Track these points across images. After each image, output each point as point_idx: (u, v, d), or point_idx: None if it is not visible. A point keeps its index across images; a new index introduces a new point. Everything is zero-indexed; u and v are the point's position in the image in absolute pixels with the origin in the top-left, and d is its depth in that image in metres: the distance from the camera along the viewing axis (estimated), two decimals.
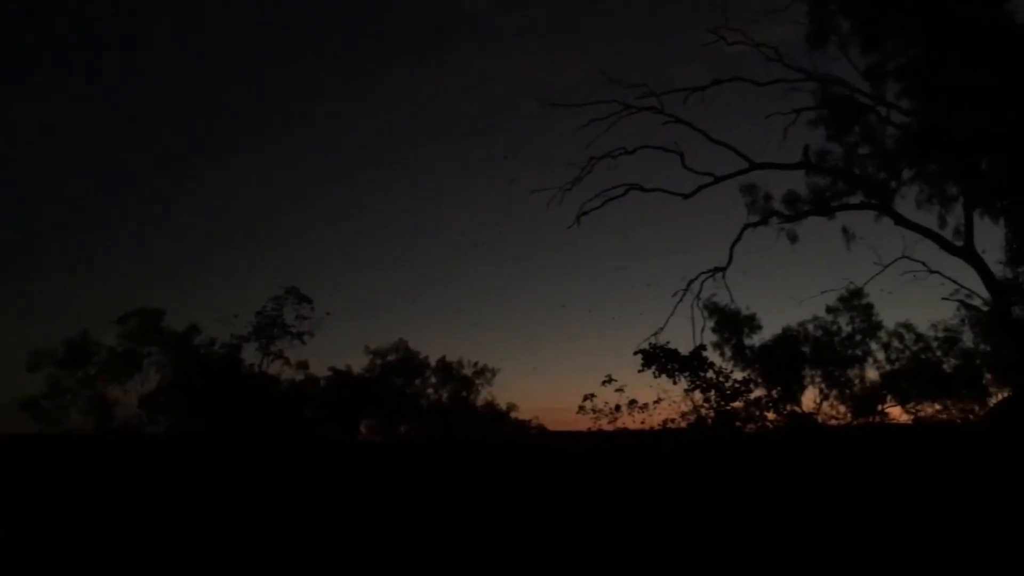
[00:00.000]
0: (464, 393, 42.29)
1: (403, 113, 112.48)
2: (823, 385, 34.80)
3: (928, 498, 16.70)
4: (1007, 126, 23.34)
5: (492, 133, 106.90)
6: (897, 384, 33.83)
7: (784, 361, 34.10)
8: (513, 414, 41.68)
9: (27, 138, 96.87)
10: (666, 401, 25.58)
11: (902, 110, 26.88)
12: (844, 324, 35.33)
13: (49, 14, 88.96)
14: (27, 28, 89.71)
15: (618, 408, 25.76)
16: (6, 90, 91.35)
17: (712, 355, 28.29)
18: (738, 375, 27.37)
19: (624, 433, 25.96)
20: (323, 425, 39.18)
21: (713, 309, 33.13)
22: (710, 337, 33.33)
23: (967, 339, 33.58)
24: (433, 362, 42.52)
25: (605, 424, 25.83)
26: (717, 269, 30.06)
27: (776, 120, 28.99)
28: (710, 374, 25.69)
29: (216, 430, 33.24)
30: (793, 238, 29.96)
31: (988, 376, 32.70)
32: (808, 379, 34.88)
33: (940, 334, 34.11)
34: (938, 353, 34.10)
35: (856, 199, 28.60)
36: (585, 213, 29.82)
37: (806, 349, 35.08)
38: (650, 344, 26.45)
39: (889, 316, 36.13)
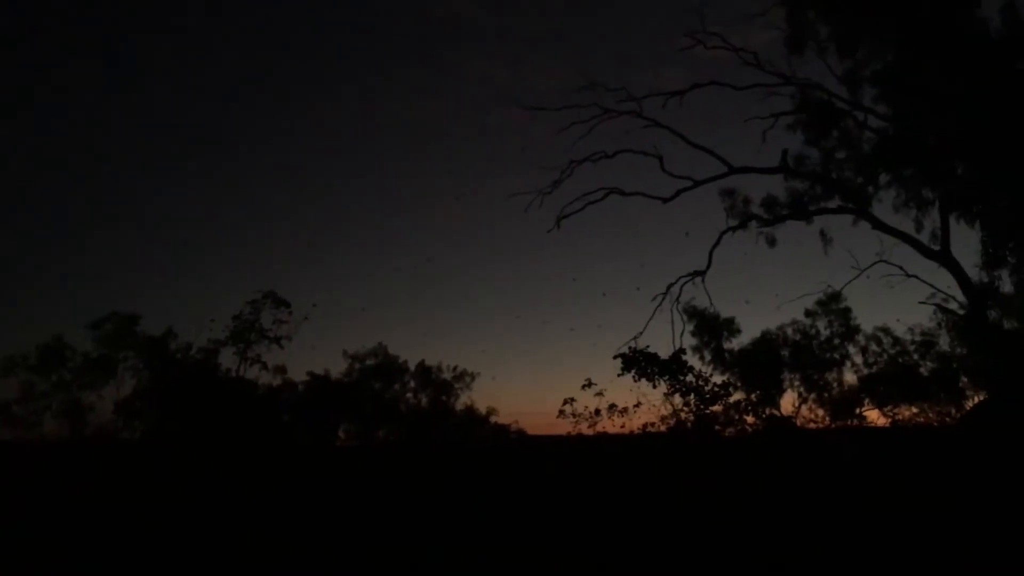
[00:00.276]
0: (443, 397, 42.04)
1: (382, 117, 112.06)
2: (802, 389, 34.91)
3: (906, 500, 16.77)
4: (980, 132, 23.57)
5: (472, 137, 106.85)
6: (875, 387, 33.99)
7: (763, 365, 34.19)
8: (493, 418, 41.48)
9: None
10: (646, 405, 25.64)
11: (879, 115, 27.14)
12: (822, 328, 35.50)
13: (15, 16, 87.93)
14: None
15: (598, 412, 25.79)
16: None
17: (691, 359, 28.34)
18: (717, 379, 27.60)
19: (604, 437, 25.97)
20: (300, 430, 38.83)
21: (692, 313, 33.24)
22: (689, 341, 33.42)
23: (944, 343, 33.86)
24: (412, 366, 42.31)
25: (585, 428, 25.84)
26: (696, 273, 30.17)
27: (754, 124, 29.20)
28: (690, 378, 25.78)
29: (192, 435, 32.84)
30: (772, 242, 30.12)
31: (964, 379, 32.96)
32: (787, 383, 34.98)
33: (917, 338, 34.38)
34: (915, 357, 34.33)
35: (834, 203, 28.86)
36: (565, 216, 29.89)
37: (785, 353, 35.20)
38: (630, 348, 26.54)
39: (867, 320, 36.26)
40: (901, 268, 28.82)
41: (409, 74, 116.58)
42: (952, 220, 26.51)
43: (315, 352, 68.48)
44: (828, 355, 35.16)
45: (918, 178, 26.59)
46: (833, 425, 33.76)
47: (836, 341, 35.29)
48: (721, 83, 29.17)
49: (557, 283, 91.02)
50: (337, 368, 40.79)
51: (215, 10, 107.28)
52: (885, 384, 33.75)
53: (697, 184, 29.48)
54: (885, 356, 34.85)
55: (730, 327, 34.94)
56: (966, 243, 30.48)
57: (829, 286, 33.83)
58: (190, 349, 36.65)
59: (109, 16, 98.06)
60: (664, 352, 26.44)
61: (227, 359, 36.03)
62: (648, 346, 26.62)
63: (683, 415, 25.55)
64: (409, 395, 42.30)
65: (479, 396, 47.53)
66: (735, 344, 35.01)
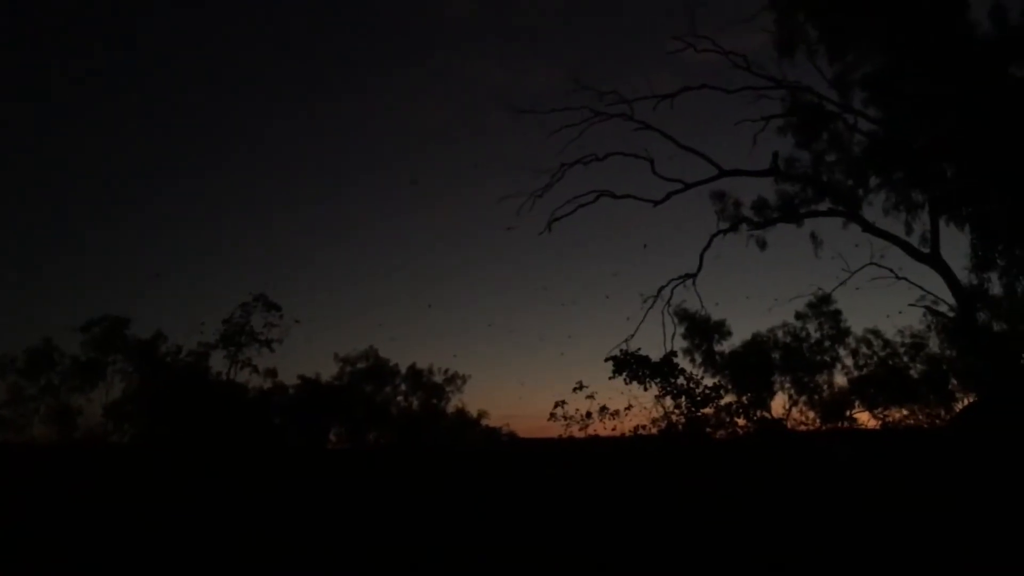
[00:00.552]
0: (434, 400, 42.00)
1: (375, 120, 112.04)
2: (792, 391, 34.96)
3: (896, 501, 16.80)
4: (970, 135, 23.67)
5: (464, 139, 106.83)
6: (865, 389, 34.08)
7: (754, 367, 34.24)
8: (484, 421, 41.45)
9: None
10: (637, 407, 25.65)
11: (869, 118, 27.21)
12: (813, 330, 35.60)
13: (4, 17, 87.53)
14: None
15: (589, 415, 25.80)
16: None
17: (682, 361, 28.32)
18: (708, 381, 27.56)
19: (595, 440, 25.96)
20: (291, 433, 38.73)
21: (683, 315, 33.24)
22: (680, 343, 33.44)
23: (933, 345, 33.97)
24: (403, 369, 42.27)
25: (576, 431, 25.85)
26: (687, 275, 30.16)
27: (745, 127, 29.27)
28: (681, 380, 25.81)
29: (182, 439, 32.76)
30: (762, 245, 30.15)
31: (954, 381, 33.06)
32: (777, 385, 35.05)
33: (907, 340, 34.49)
34: (905, 359, 34.44)
35: (824, 206, 28.88)
36: (556, 219, 29.84)
37: (776, 355, 35.26)
38: (621, 351, 26.52)
39: (857, 322, 36.37)
40: (891, 270, 28.91)
41: (406, 75, 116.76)
42: (942, 223, 26.59)
43: (306, 355, 68.37)
44: (819, 357, 35.25)
45: (908, 181, 26.66)
46: (824, 427, 33.82)
47: (827, 343, 35.39)
48: (712, 86, 29.24)
49: (551, 285, 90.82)
50: (328, 371, 40.82)
51: (213, 11, 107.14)
52: (875, 386, 33.84)
53: (688, 187, 29.51)
54: (875, 358, 34.95)
55: (721, 330, 35.03)
56: (956, 246, 30.58)
57: (819, 288, 33.98)
58: (180, 352, 36.69)
59: (97, 19, 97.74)
60: (655, 355, 26.50)
61: (218, 362, 36.07)
62: (639, 349, 26.69)
63: (674, 417, 25.59)
64: (400, 398, 42.31)
65: (470, 399, 47.48)
66: (726, 347, 35.12)
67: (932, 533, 12.89)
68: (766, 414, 33.23)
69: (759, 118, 28.88)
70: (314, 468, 31.45)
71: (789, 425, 33.02)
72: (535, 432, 42.18)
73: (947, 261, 26.42)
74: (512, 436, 41.02)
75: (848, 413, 34.33)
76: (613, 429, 25.75)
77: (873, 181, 27.71)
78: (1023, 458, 19.35)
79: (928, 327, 33.76)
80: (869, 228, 27.79)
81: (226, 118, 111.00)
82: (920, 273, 28.18)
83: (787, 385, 35.07)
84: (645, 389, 25.70)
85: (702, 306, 32.14)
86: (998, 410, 24.96)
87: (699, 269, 29.98)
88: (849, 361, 35.26)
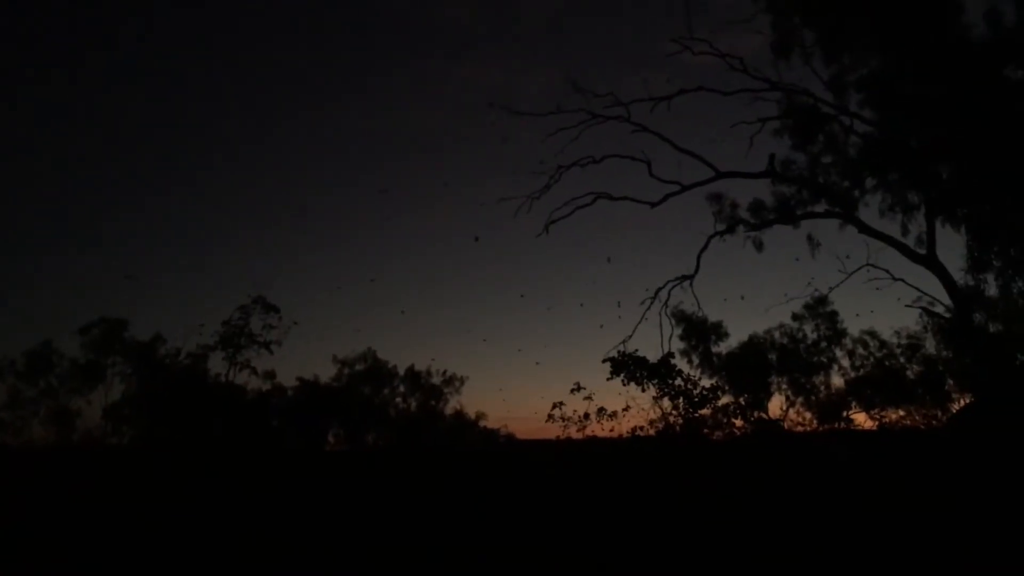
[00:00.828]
0: (432, 402, 42.07)
1: (374, 122, 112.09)
2: (789, 392, 35.06)
3: (893, 502, 16.89)
4: (965, 136, 23.75)
5: (461, 142, 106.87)
6: (862, 390, 34.19)
7: (751, 368, 34.34)
8: (482, 423, 41.53)
9: None
10: (635, 409, 25.74)
11: (864, 120, 27.22)
12: (810, 331, 35.72)
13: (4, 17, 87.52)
14: None
15: (587, 416, 25.89)
16: None
17: (680, 363, 28.43)
18: (706, 382, 27.66)
19: (593, 441, 26.04)
20: (290, 435, 38.77)
21: (681, 317, 33.30)
22: (678, 345, 33.54)
23: (930, 346, 34.10)
24: (401, 371, 42.34)
25: (574, 432, 25.93)
26: (684, 277, 30.19)
27: (742, 129, 29.25)
28: (678, 381, 25.88)
29: (181, 441, 32.78)
30: (759, 246, 30.20)
31: (950, 382, 33.17)
32: (774, 386, 35.15)
33: (903, 341, 34.62)
34: (901, 360, 34.56)
35: (820, 207, 28.88)
36: (554, 222, 29.82)
37: (772, 356, 35.36)
38: (619, 352, 26.58)
39: (853, 323, 36.45)
40: (887, 272, 28.94)
41: (404, 77, 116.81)
42: (938, 224, 26.63)
43: (305, 357, 68.41)
44: (815, 358, 35.35)
45: (904, 182, 26.70)
46: (821, 428, 33.92)
47: (823, 344, 35.50)
48: (708, 88, 29.27)
49: (549, 286, 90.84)
50: (327, 373, 40.86)
51: (211, 13, 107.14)
52: (872, 387, 33.95)
53: (685, 188, 29.55)
54: (872, 359, 35.08)
55: (718, 331, 35.13)
56: (952, 247, 30.68)
57: (816, 290, 34.01)
58: (179, 354, 36.65)
59: (97, 19, 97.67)
60: (653, 356, 26.58)
61: (216, 364, 36.02)
62: (637, 350, 26.76)
63: (672, 418, 25.67)
64: (398, 399, 42.36)
65: (468, 400, 47.53)
66: (723, 348, 35.22)
67: (929, 533, 12.97)
68: (763, 415, 33.38)
69: (755, 120, 28.92)
70: (313, 469, 31.50)
71: (786, 426, 33.17)
72: (533, 434, 42.33)
73: (943, 262, 26.49)
74: (510, 437, 41.14)
75: (845, 414, 34.45)
76: (611, 430, 25.88)
77: (869, 183, 27.75)
78: (1019, 458, 19.46)
79: (924, 328, 33.93)
80: (865, 229, 27.83)
81: (226, 119, 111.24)
82: (916, 274, 28.25)
83: (784, 386, 35.19)
84: (643, 390, 25.82)
85: (699, 307, 32.18)
86: (994, 411, 25.04)
87: (696, 271, 30.05)
88: (846, 362, 35.44)
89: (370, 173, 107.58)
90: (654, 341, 29.81)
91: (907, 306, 30.91)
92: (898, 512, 15.49)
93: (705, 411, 26.04)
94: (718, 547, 12.37)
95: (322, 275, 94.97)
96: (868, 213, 28.09)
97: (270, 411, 38.32)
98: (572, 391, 25.89)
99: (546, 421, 25.98)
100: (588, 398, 25.94)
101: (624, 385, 25.81)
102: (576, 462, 26.46)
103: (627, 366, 25.88)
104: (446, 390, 42.15)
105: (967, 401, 31.97)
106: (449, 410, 41.95)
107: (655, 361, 26.23)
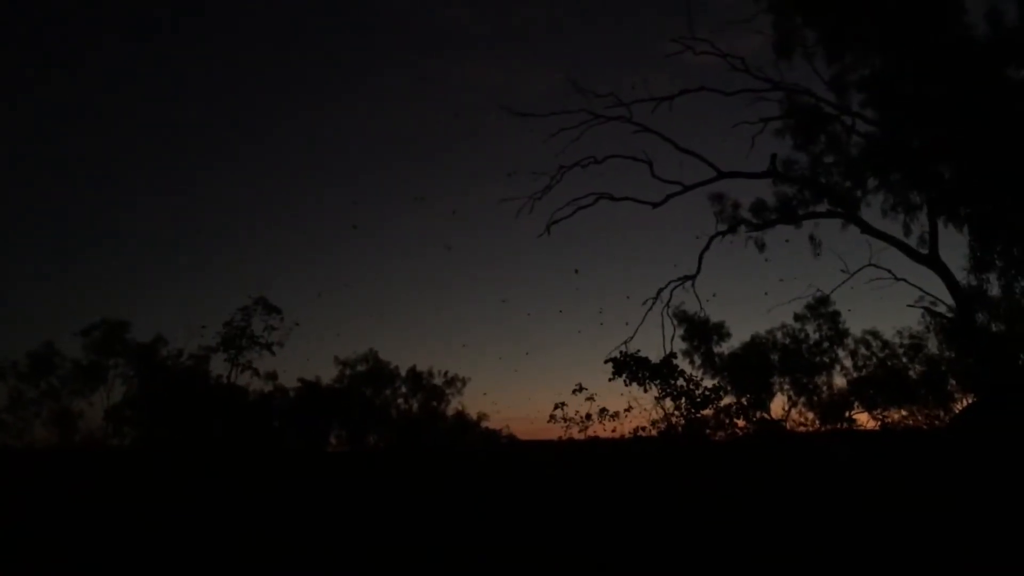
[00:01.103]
0: (434, 403, 42.05)
1: (372, 123, 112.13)
2: (791, 392, 35.05)
3: (896, 502, 16.85)
4: (968, 136, 23.71)
5: (463, 143, 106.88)
6: (864, 391, 34.14)
7: (753, 369, 34.30)
8: (483, 423, 41.50)
9: None
10: (637, 409, 25.70)
11: (866, 120, 27.16)
12: (812, 332, 35.68)
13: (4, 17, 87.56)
14: None
15: (589, 417, 25.85)
16: None
17: (682, 363, 28.38)
18: (708, 383, 27.60)
19: (595, 441, 26.01)
20: (292, 436, 38.77)
21: (683, 317, 33.25)
22: (680, 345, 33.46)
23: (932, 346, 34.06)
24: (403, 372, 42.33)
25: (576, 433, 25.90)
26: (686, 277, 30.11)
27: (743, 129, 29.17)
28: (680, 382, 25.84)
29: (183, 442, 32.79)
30: (761, 246, 30.13)
31: (952, 382, 33.14)
32: (777, 386, 35.14)
33: (906, 341, 34.58)
34: (904, 360, 34.51)
35: (822, 207, 28.80)
36: (555, 222, 29.73)
37: (774, 357, 35.31)
38: (620, 352, 26.53)
39: (856, 323, 36.42)
40: (890, 272, 28.81)
41: (404, 78, 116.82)
42: (940, 224, 26.56)
43: (306, 358, 68.40)
44: (817, 359, 35.31)
45: (906, 182, 26.64)
46: (823, 428, 33.88)
47: (825, 345, 35.46)
48: (710, 88, 29.22)
49: (550, 287, 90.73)
50: (328, 374, 40.85)
51: (214, 12, 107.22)
52: (874, 387, 33.91)
53: (686, 189, 29.47)
54: (874, 359, 35.05)
55: (720, 331, 35.11)
56: (954, 247, 30.62)
57: (818, 290, 33.92)
58: (181, 356, 36.72)
59: (97, 20, 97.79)
60: (655, 356, 26.54)
61: (218, 365, 36.09)
62: (639, 350, 26.71)
63: (674, 419, 25.62)
64: (400, 400, 42.36)
65: (470, 401, 47.47)
66: (725, 348, 35.20)
67: (931, 534, 12.94)
68: (765, 415, 33.31)
69: (757, 120, 28.86)
70: (314, 470, 31.48)
71: (788, 426, 33.10)
72: (535, 434, 42.30)
73: (946, 262, 26.44)
74: (512, 438, 41.11)
75: (847, 414, 34.42)
76: (613, 431, 25.84)
77: (871, 182, 27.68)
78: (1022, 459, 19.41)
79: (927, 328, 33.93)
80: (867, 229, 27.76)
81: (226, 120, 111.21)
82: (919, 274, 28.13)
83: (786, 386, 35.19)
84: (645, 391, 25.77)
85: (701, 308, 32.11)
86: (997, 411, 24.99)
87: (698, 271, 29.98)
88: (848, 362, 35.41)
89: (370, 173, 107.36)
90: (656, 341, 29.77)
91: (909, 306, 30.87)
92: (900, 512, 15.45)
93: (707, 411, 26.01)
94: (720, 547, 12.34)
95: (322, 275, 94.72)
96: (870, 213, 28.04)
97: (271, 412, 38.33)
98: (574, 392, 25.88)
99: (548, 422, 25.98)
100: (590, 399, 25.93)
101: (626, 386, 25.78)
102: (578, 462, 26.42)
103: (629, 367, 25.84)
104: (447, 391, 42.19)
105: (969, 401, 31.92)
106: (450, 411, 42.01)
107: (657, 361, 26.20)
